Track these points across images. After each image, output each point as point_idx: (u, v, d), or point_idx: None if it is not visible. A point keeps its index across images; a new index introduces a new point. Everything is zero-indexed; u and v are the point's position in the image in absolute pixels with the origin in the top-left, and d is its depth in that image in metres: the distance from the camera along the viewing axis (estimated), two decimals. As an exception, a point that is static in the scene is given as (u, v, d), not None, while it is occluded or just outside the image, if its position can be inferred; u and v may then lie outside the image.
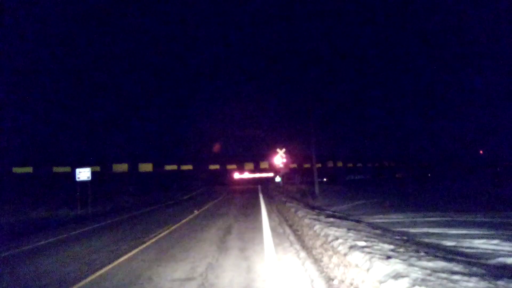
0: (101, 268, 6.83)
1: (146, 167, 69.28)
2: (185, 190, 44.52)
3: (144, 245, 8.85)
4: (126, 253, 8.06)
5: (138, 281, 5.86)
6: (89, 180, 21.71)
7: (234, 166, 79.61)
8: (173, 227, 11.72)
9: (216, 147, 74.54)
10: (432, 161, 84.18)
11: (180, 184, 54.49)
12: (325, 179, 51.68)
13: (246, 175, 75.41)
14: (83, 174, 21.62)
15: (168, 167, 72.54)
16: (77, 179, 21.45)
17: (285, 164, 29.28)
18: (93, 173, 22.19)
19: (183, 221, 13.38)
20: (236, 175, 73.78)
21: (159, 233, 10.56)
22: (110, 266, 6.96)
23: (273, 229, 10.29)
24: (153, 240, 9.56)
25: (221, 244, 8.64)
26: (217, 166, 79.35)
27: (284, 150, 28.86)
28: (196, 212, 16.65)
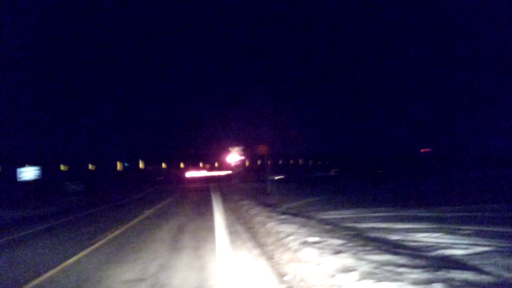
0: (46, 271, 6.48)
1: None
2: (136, 189, 43.19)
3: (92, 247, 8.51)
4: (73, 255, 7.70)
5: (86, 284, 5.64)
6: (33, 180, 20.58)
7: (186, 165, 78.37)
8: (123, 228, 11.37)
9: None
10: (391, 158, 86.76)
11: (128, 183, 52.92)
12: (282, 176, 52.02)
13: (199, 173, 73.92)
14: (27, 173, 20.42)
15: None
16: (18, 179, 20.23)
17: (240, 162, 29.36)
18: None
19: (134, 221, 13.01)
20: (189, 174, 72.07)
21: (108, 235, 10.19)
22: (56, 269, 6.64)
23: (226, 228, 10.25)
24: (102, 241, 9.21)
25: (174, 243, 8.49)
26: (166, 165, 77.86)
27: (240, 147, 28.84)
28: (147, 212, 16.24)
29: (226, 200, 20.68)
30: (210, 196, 25.16)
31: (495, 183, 24.96)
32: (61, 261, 7.24)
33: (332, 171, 68.80)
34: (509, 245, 6.44)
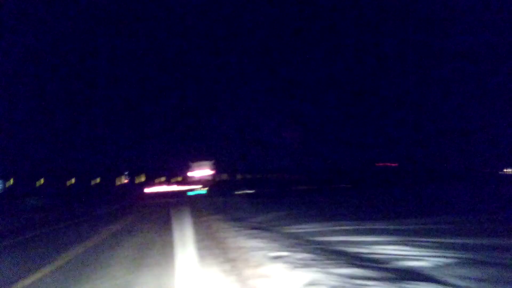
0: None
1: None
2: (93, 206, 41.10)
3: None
4: (20, 278, 7.34)
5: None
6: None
7: (148, 178, 74.72)
8: (86, 246, 10.99)
9: None
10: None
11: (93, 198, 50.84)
12: (249, 191, 51.89)
13: (163, 188, 69.27)
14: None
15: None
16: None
17: (212, 175, 29.11)
18: None
19: (95, 240, 12.60)
20: (149, 189, 67.00)
21: (65, 255, 9.81)
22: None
23: (194, 243, 10.12)
24: (58, 263, 8.86)
25: (140, 258, 8.30)
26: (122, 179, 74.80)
27: (209, 161, 28.58)
28: (108, 231, 15.73)
29: (193, 215, 20.42)
30: (177, 210, 24.76)
31: (453, 196, 26.07)
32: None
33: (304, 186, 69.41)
34: (467, 256, 6.75)
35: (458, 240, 8.51)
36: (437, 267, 5.98)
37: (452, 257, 6.60)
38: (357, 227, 11.79)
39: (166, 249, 9.58)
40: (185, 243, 10.31)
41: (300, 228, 12.29)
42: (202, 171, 28.47)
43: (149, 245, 10.52)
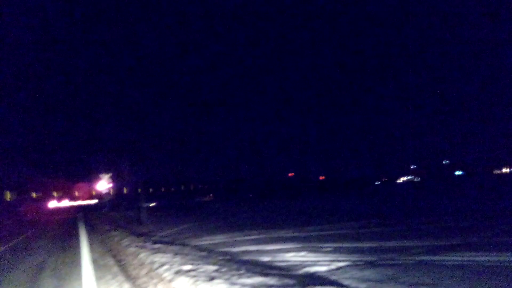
0: None
1: None
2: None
3: None
4: None
5: None
6: None
7: (50, 193, 70.83)
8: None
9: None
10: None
11: None
12: (154, 204, 50.12)
13: (65, 203, 67.61)
14: None
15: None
16: None
17: (111, 190, 27.69)
18: None
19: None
20: (53, 204, 65.11)
21: None
22: None
23: (94, 262, 9.45)
24: None
25: (32, 284, 7.49)
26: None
27: (110, 174, 27.13)
28: (1, 248, 14.02)
29: (95, 230, 19.12)
30: (78, 226, 23.01)
31: (350, 205, 28.26)
32: None
33: (207, 196, 69.59)
34: (363, 258, 7.35)
35: (353, 244, 9.22)
36: (335, 270, 6.41)
37: (348, 260, 7.13)
38: (262, 235, 12.10)
39: (65, 268, 8.83)
40: (84, 260, 9.59)
41: (207, 240, 12.24)
42: (105, 185, 26.88)
43: (45, 264, 9.58)
